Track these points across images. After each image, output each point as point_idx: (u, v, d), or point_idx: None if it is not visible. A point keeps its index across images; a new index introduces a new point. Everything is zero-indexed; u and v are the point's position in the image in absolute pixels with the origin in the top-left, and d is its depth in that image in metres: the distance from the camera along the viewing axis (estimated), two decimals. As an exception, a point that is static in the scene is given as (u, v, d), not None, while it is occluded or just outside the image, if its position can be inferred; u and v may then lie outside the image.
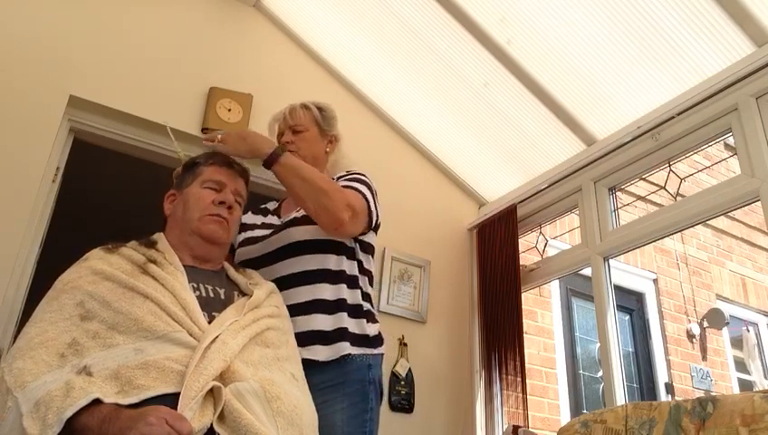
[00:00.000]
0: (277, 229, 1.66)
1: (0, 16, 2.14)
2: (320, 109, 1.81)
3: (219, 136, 1.60)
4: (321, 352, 1.50)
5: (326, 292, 1.56)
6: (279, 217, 1.75)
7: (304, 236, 1.60)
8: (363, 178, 1.69)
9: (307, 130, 1.76)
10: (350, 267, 1.62)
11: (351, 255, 1.64)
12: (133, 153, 2.39)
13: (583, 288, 3.79)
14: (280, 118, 1.81)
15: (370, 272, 1.71)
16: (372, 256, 1.74)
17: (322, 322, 1.53)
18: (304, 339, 1.48)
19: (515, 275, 2.66)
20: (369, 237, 1.72)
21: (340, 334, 1.53)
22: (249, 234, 1.72)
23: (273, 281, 1.54)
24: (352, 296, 1.60)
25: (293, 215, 1.68)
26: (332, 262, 1.59)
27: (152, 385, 1.06)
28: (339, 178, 1.70)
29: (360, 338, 1.57)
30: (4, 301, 1.89)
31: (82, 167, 2.48)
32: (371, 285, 1.71)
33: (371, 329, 1.62)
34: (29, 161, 2.03)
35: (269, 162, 1.53)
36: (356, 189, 1.62)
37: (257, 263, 1.63)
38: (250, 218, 1.78)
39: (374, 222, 1.67)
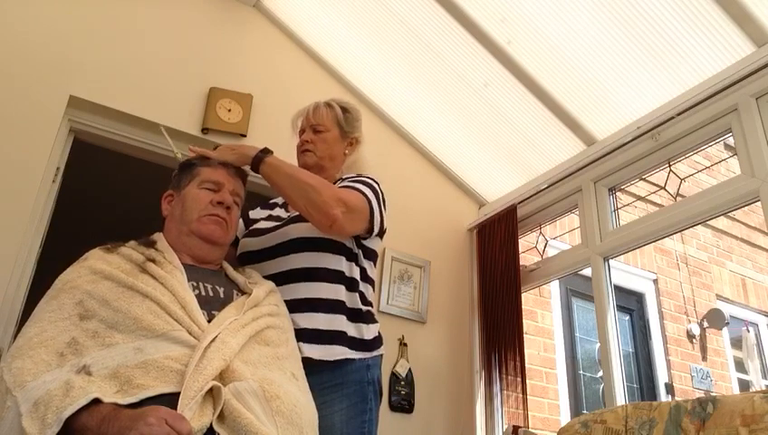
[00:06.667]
0: (283, 223, 1.65)
1: (0, 16, 2.14)
2: (344, 110, 1.81)
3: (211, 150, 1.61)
4: (313, 351, 1.48)
5: (322, 291, 1.54)
6: (287, 210, 1.74)
7: (302, 233, 1.58)
8: (369, 181, 1.66)
9: (328, 130, 1.77)
10: (349, 269, 1.60)
11: (352, 257, 1.61)
12: (133, 153, 2.39)
13: (583, 288, 3.78)
14: (303, 114, 1.81)
15: (373, 280, 1.69)
16: (375, 264, 1.72)
17: (316, 320, 1.51)
18: (297, 337, 1.47)
19: (515, 275, 2.66)
20: (373, 243, 1.69)
21: (336, 336, 1.52)
22: (254, 226, 1.72)
23: (270, 276, 1.54)
24: (351, 299, 1.58)
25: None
26: (330, 261, 1.57)
27: (152, 385, 1.06)
28: (345, 178, 1.69)
29: (358, 342, 1.56)
30: (5, 300, 1.90)
31: (82, 167, 2.48)
32: (373, 290, 1.70)
33: (370, 331, 1.60)
34: (29, 161, 2.03)
35: (255, 164, 1.54)
36: (356, 189, 1.59)
37: (257, 256, 1.62)
38: (258, 213, 1.78)
39: (377, 226, 1.63)
